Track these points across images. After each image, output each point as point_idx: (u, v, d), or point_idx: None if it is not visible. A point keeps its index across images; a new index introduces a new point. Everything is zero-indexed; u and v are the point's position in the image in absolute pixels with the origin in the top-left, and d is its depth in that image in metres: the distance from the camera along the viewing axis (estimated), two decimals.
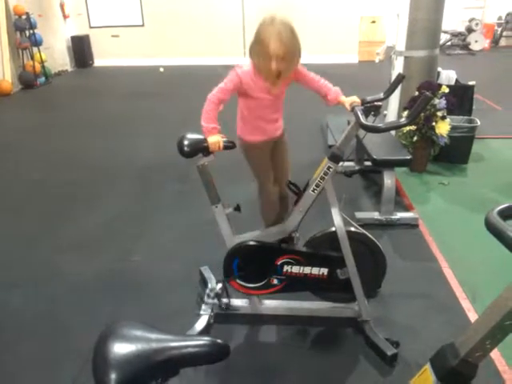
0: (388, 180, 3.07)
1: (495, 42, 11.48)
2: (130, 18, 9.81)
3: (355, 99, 1.97)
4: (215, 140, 1.90)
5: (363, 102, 1.95)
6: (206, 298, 2.25)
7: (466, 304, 2.37)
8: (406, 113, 3.79)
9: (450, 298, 2.43)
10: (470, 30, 10.85)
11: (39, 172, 4.31)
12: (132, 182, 4.04)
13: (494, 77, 7.63)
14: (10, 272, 2.78)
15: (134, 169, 4.31)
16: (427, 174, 3.99)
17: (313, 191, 1.98)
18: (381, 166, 3.02)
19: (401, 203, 3.42)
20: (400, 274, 2.58)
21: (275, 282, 2.11)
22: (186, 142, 1.92)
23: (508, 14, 11.14)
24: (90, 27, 9.92)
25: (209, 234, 3.02)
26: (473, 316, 2.28)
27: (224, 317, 2.24)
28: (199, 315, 2.18)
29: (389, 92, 2.00)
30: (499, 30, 11.45)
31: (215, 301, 2.22)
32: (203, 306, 2.23)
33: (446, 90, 3.75)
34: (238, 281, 2.12)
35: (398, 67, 4.46)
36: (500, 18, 11.33)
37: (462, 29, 10.86)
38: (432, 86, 3.72)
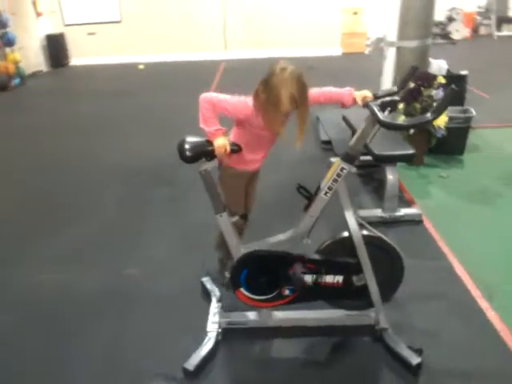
0: (390, 176, 2.95)
1: (475, 30, 11.52)
2: (106, 15, 9.51)
3: (367, 93, 1.83)
4: (222, 143, 1.74)
5: (376, 97, 1.81)
6: (211, 315, 2.10)
7: (483, 303, 2.27)
8: (401, 106, 3.68)
9: (466, 297, 2.33)
10: (450, 19, 10.86)
11: (15, 181, 4.07)
12: (117, 187, 3.82)
13: (478, 65, 7.59)
14: None
15: (118, 173, 4.09)
16: (425, 167, 3.90)
17: (325, 195, 1.84)
18: (383, 161, 2.91)
19: (402, 198, 3.31)
20: (411, 273, 2.44)
21: (287, 292, 1.97)
22: (187, 146, 1.76)
23: (487, 2, 11.17)
24: (65, 25, 9.58)
25: (207, 241, 2.87)
26: (491, 315, 2.18)
27: (232, 332, 2.09)
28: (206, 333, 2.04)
29: (402, 85, 1.88)
30: (479, 18, 11.48)
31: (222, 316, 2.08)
32: (209, 324, 2.08)
33: (442, 80, 3.66)
34: (246, 293, 1.97)
35: (390, 58, 4.36)
36: (479, 7, 11.36)
37: (442, 18, 10.85)
38: (428, 77, 3.62)
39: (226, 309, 2.16)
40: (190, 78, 8.11)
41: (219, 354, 2.02)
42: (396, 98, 1.74)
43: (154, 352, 2.06)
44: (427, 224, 3.03)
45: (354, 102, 1.89)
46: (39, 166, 4.36)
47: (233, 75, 7.70)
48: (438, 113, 1.47)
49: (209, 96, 1.81)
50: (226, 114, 1.82)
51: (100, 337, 2.18)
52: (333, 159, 3.91)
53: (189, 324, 2.20)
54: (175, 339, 2.12)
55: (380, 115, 1.61)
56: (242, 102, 1.84)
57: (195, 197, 3.40)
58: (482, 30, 11.60)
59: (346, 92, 1.88)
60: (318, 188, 1.88)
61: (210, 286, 2.31)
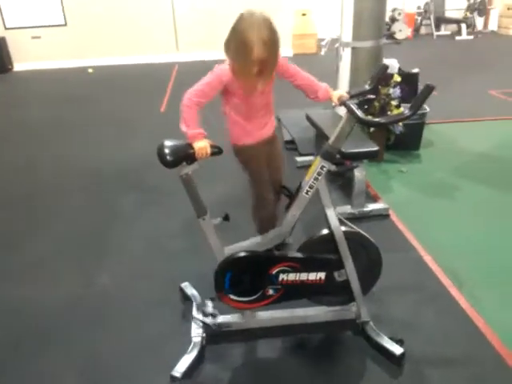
0: (358, 173, 3.03)
1: (416, 30, 12.04)
2: (50, 18, 9.13)
3: (343, 93, 1.87)
4: (202, 145, 1.72)
5: (351, 96, 1.85)
6: (194, 320, 2.07)
7: (454, 292, 2.37)
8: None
9: (438, 286, 2.43)
10: (393, 20, 11.27)
11: None
12: (82, 194, 3.68)
13: (422, 63, 7.92)
14: None
15: (80, 180, 3.96)
16: (385, 163, 4.03)
17: (306, 193, 1.86)
18: (349, 159, 2.98)
19: (367, 194, 3.40)
20: (384, 266, 2.52)
21: (271, 292, 1.97)
22: (167, 151, 1.72)
23: (426, 4, 11.71)
24: (6, 28, 9.10)
25: (180, 245, 2.84)
26: (464, 303, 2.28)
27: (217, 337, 2.07)
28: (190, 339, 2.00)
29: (373, 83, 1.92)
30: (419, 19, 12.01)
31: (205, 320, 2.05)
32: (193, 329, 2.04)
33: (398, 79, 3.79)
34: (230, 296, 1.95)
35: (346, 58, 4.47)
36: (419, 8, 11.88)
37: (386, 19, 11.24)
38: (385, 76, 3.74)
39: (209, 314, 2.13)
40: (144, 80, 7.95)
41: (206, 359, 1.99)
42: (372, 96, 1.78)
43: (135, 366, 2.00)
44: (393, 218, 3.13)
45: (328, 98, 1.93)
46: None
47: (187, 77, 7.63)
48: (415, 109, 1.53)
49: (187, 94, 1.80)
50: (210, 94, 1.80)
51: (73, 352, 2.09)
52: (298, 158, 3.97)
53: (169, 333, 2.15)
54: (157, 350, 2.07)
55: (359, 113, 1.64)
56: (216, 72, 1.83)
57: (167, 201, 3.34)
58: (423, 30, 12.15)
59: (322, 86, 1.92)
60: (299, 187, 1.89)
61: (189, 291, 2.27)
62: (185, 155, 1.73)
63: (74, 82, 8.07)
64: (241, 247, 1.95)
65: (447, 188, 3.56)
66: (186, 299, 2.28)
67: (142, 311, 2.33)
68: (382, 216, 3.14)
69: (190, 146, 1.74)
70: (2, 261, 2.82)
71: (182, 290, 2.32)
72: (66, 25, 9.26)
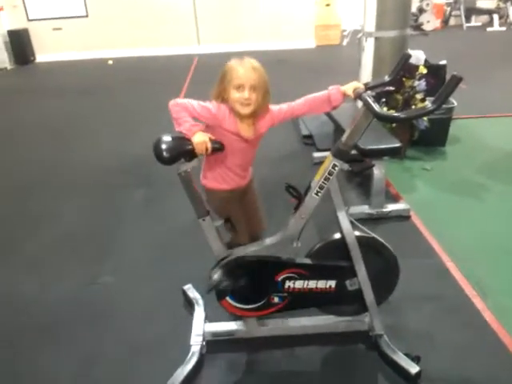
0: (377, 171, 2.84)
1: (445, 21, 11.63)
2: (72, 9, 9.15)
3: (357, 85, 1.69)
4: (201, 139, 1.57)
5: (367, 88, 1.67)
6: (194, 326, 1.94)
7: (478, 302, 2.18)
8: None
9: (460, 296, 2.24)
10: (421, 11, 10.90)
11: None
12: (90, 189, 3.60)
13: (451, 56, 7.58)
14: None
15: (90, 174, 3.88)
16: (408, 160, 3.82)
17: (316, 194, 1.70)
18: (369, 156, 2.78)
19: (387, 194, 3.20)
20: (402, 273, 2.35)
21: (276, 300, 1.83)
22: (164, 146, 1.58)
23: None
24: (29, 20, 9.17)
25: (186, 246, 2.71)
26: (489, 316, 2.09)
27: (218, 344, 1.94)
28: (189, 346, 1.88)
29: (394, 74, 1.74)
30: (448, 9, 11.58)
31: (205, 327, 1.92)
32: (192, 337, 1.91)
33: (424, 71, 3.57)
34: (232, 302, 1.81)
35: (369, 49, 4.25)
36: None
37: (413, 9, 10.87)
38: (410, 68, 3.52)
39: (210, 319, 2.00)
40: (163, 72, 7.87)
41: (204, 369, 1.86)
42: (390, 88, 1.60)
43: (134, 368, 1.90)
44: (415, 219, 2.93)
45: (344, 97, 1.74)
46: (5, 168, 4.10)
47: (206, 70, 7.51)
48: (440, 103, 1.34)
49: (176, 101, 1.66)
50: (192, 113, 1.65)
51: (73, 352, 2.00)
52: (315, 154, 3.80)
53: (170, 337, 2.03)
54: (156, 354, 1.95)
55: (376, 107, 1.47)
56: (210, 104, 1.69)
57: (174, 198, 3.22)
58: (452, 21, 11.71)
59: (331, 90, 1.72)
60: (309, 187, 1.73)
61: (192, 294, 2.15)
62: (183, 151, 1.59)
63: (94, 74, 8.06)
64: (244, 251, 1.80)
65: (474, 188, 3.33)
66: (188, 302, 2.15)
67: (144, 313, 2.22)
68: (403, 217, 2.95)
69: (188, 140, 1.60)
70: (4, 257, 2.76)
71: (184, 293, 2.19)
72: (87, 16, 9.25)
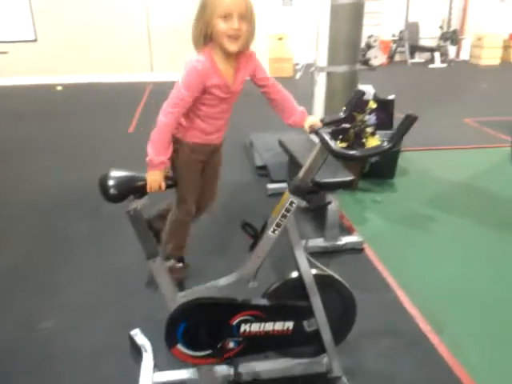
0: (331, 204, 2.83)
1: (391, 57, 12.20)
2: (20, 33, 8.82)
3: (315, 121, 1.68)
4: (156, 178, 1.49)
5: (324, 124, 1.66)
6: (142, 375, 1.80)
7: (433, 338, 2.17)
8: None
9: (416, 332, 2.22)
10: (369, 47, 11.38)
11: None
12: (30, 223, 3.37)
13: (397, 90, 7.94)
14: None
15: (30, 206, 3.64)
16: (359, 192, 3.87)
17: (273, 232, 1.65)
18: (324, 188, 2.78)
19: (341, 225, 3.20)
20: (359, 308, 2.33)
21: (231, 345, 1.73)
22: (111, 183, 1.48)
23: (401, 32, 11.89)
24: None
25: (134, 284, 2.56)
26: (444, 351, 2.08)
27: None
28: None
29: (348, 110, 1.75)
30: (394, 46, 12.19)
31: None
32: None
33: (373, 105, 3.66)
34: (184, 350, 1.70)
35: (321, 83, 4.34)
36: (394, 35, 12.06)
37: (361, 45, 11.36)
38: (361, 102, 3.60)
39: (160, 367, 1.86)
40: (114, 99, 7.69)
41: None
42: (347, 125, 1.59)
43: None
44: (368, 251, 2.94)
45: (301, 125, 1.74)
46: None
47: (159, 97, 7.42)
48: (395, 142, 1.34)
49: (172, 117, 1.60)
50: (192, 100, 1.58)
51: None
52: (270, 185, 3.77)
53: None
54: None
55: (332, 144, 1.45)
56: (192, 69, 1.68)
57: (122, 231, 3.07)
58: (397, 57, 12.32)
59: (300, 113, 1.74)
60: (265, 224, 1.68)
61: (139, 340, 2.00)
62: (133, 188, 1.50)
63: (41, 100, 7.75)
64: (197, 293, 1.71)
65: (423, 219, 3.41)
66: (137, 349, 2.00)
67: (87, 362, 2.04)
68: (356, 250, 2.95)
69: (138, 177, 1.50)
70: None
71: (131, 339, 2.04)
72: (36, 40, 8.97)
